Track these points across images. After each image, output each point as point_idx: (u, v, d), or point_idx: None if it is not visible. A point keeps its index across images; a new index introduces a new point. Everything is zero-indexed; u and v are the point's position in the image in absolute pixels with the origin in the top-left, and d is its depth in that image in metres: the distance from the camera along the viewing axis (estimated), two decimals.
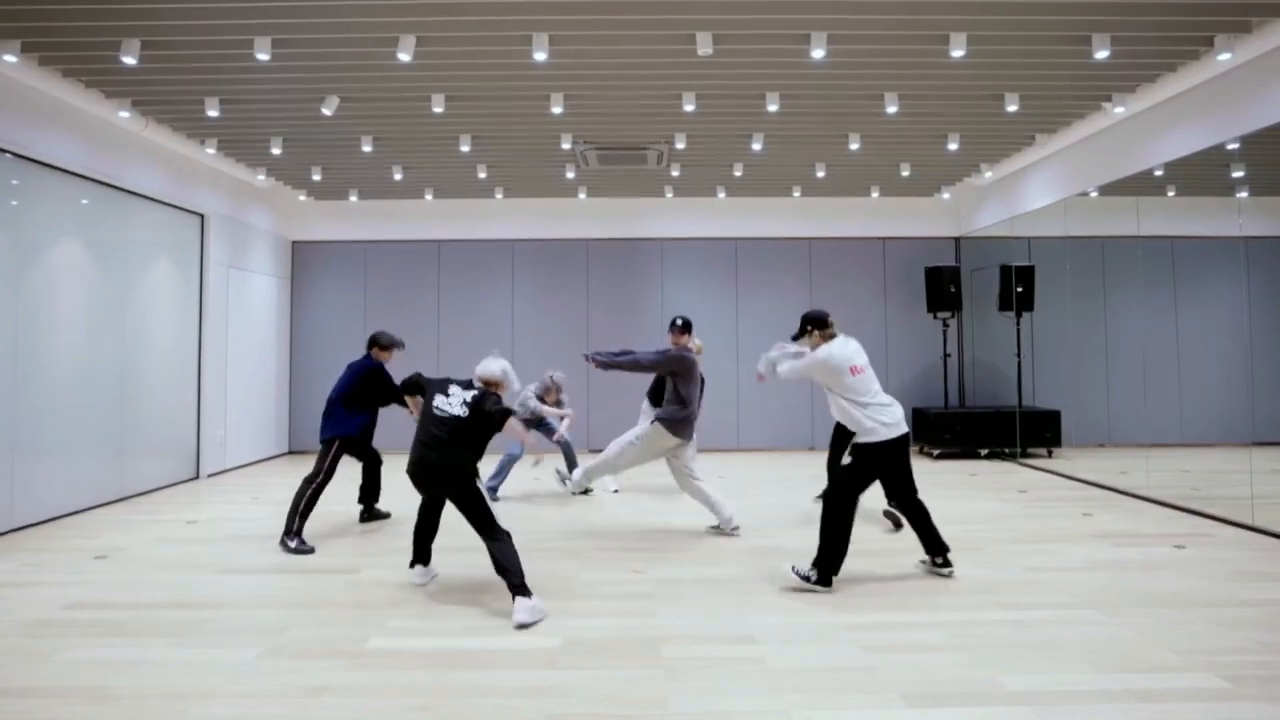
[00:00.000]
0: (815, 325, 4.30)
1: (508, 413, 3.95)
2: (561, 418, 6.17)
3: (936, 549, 4.27)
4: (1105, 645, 3.25)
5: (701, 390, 5.54)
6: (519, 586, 3.63)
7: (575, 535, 5.28)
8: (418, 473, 3.91)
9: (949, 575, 4.25)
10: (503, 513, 5.92)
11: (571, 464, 6.65)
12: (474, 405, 3.93)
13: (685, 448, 5.25)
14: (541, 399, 6.45)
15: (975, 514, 5.86)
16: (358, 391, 5.24)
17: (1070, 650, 3.20)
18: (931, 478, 7.56)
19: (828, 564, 4.02)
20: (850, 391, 4.12)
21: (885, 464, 4.14)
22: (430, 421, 3.93)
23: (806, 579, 4.02)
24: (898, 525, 5.34)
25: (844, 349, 4.18)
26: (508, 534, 3.81)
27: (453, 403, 3.96)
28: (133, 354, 6.75)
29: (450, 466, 3.84)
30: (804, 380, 4.35)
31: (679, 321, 5.35)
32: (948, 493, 6.77)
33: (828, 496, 4.12)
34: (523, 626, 3.53)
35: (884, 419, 4.08)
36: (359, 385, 5.24)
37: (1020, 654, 3.16)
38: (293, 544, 4.87)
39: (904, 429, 4.13)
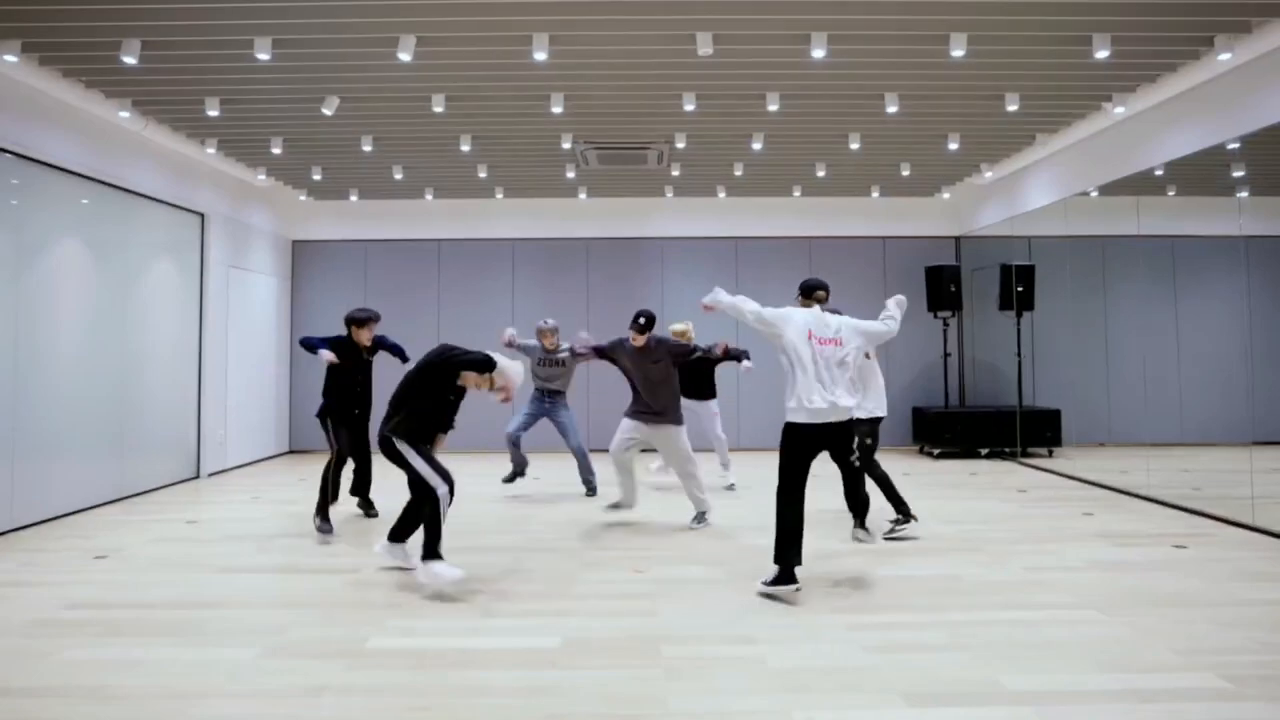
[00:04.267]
0: (801, 292, 4.28)
1: (454, 352, 4.03)
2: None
3: (860, 510, 4.58)
4: (1105, 645, 3.25)
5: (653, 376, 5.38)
6: (427, 550, 3.93)
7: (575, 535, 5.28)
8: None
9: (866, 541, 4.58)
10: (503, 513, 5.97)
11: (587, 472, 6.65)
12: (424, 358, 4.12)
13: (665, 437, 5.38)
14: (543, 348, 6.49)
15: (975, 514, 5.86)
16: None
17: (1070, 650, 3.20)
18: (932, 477, 7.56)
19: (782, 557, 3.83)
20: (797, 358, 3.89)
21: (808, 447, 3.91)
22: None
23: (773, 583, 3.86)
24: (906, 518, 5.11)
25: (809, 313, 4.02)
26: (439, 497, 3.97)
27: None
28: (133, 353, 6.75)
29: (383, 429, 4.06)
30: (743, 323, 4.12)
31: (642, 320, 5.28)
32: (948, 493, 6.77)
33: (778, 491, 3.95)
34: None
35: (812, 403, 3.83)
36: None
37: (1020, 654, 3.16)
38: (316, 522, 5.23)
39: (828, 419, 3.86)
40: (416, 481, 4.03)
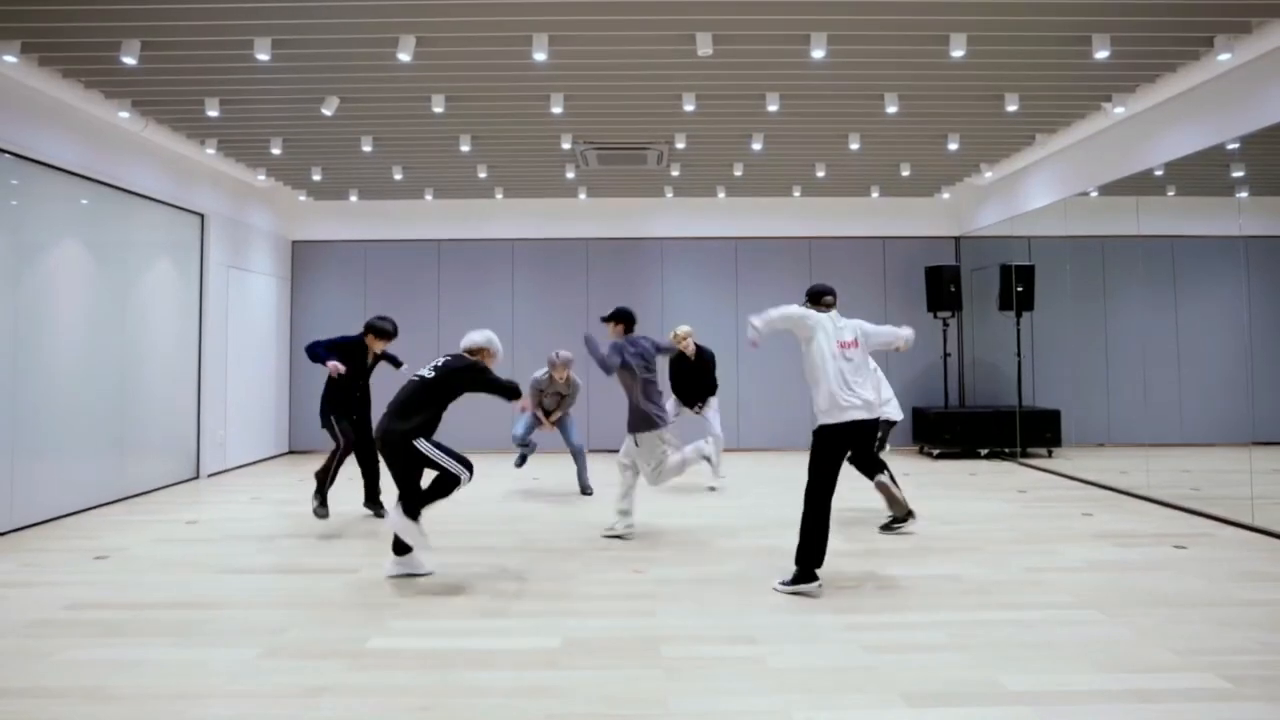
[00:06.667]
0: (808, 297, 4.35)
1: (485, 372, 4.16)
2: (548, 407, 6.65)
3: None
4: (1105, 645, 3.25)
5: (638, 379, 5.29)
6: (409, 508, 4.03)
7: (575, 535, 5.28)
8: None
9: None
10: (503, 513, 5.96)
11: (584, 473, 6.71)
12: (442, 367, 4.14)
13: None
14: (551, 379, 6.60)
15: (975, 514, 5.86)
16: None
17: (1070, 650, 3.20)
18: (931, 478, 7.56)
19: (807, 558, 3.96)
20: (822, 360, 4.04)
21: (842, 446, 4.08)
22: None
23: (795, 581, 3.95)
24: (896, 521, 5.21)
25: (827, 317, 4.17)
26: (461, 478, 4.07)
27: (425, 368, 4.21)
28: (133, 354, 6.75)
29: (389, 430, 4.08)
30: (776, 332, 4.24)
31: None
32: (948, 493, 6.77)
33: (805, 493, 4.05)
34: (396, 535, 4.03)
35: (840, 403, 3.99)
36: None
37: (1020, 654, 3.16)
38: (314, 503, 5.38)
39: (858, 416, 4.00)
40: (404, 487, 4.12)
